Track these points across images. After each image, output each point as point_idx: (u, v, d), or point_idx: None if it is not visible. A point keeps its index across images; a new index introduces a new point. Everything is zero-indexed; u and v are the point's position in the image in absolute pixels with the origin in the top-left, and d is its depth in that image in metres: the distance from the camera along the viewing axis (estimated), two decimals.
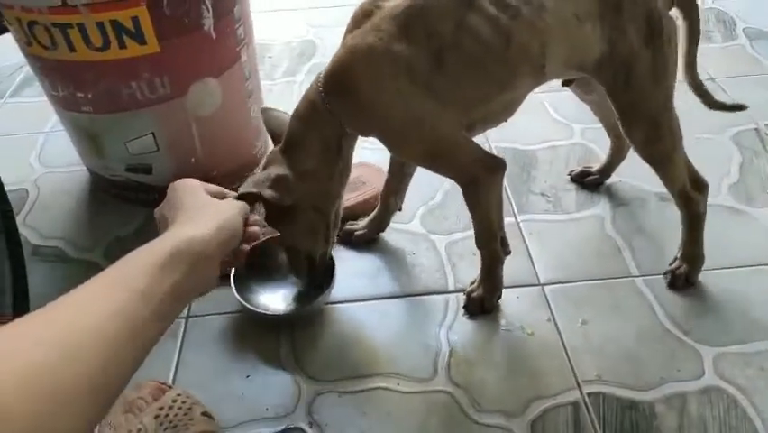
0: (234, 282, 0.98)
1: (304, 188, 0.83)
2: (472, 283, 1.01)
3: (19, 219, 1.19)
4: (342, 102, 0.81)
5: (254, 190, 0.78)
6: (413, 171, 1.07)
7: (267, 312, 0.97)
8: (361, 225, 1.13)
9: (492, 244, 0.94)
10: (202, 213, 0.61)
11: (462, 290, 1.01)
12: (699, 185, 0.97)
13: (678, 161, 0.94)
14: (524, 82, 0.84)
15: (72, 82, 1.02)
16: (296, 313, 0.99)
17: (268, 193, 0.79)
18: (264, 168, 0.86)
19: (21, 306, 0.95)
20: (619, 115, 0.90)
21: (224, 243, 0.60)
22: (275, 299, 1.01)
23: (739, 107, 0.98)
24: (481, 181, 0.87)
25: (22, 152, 1.40)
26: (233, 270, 0.98)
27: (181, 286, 0.52)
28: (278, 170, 0.82)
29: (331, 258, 0.98)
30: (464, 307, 1.00)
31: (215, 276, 0.60)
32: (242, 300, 0.96)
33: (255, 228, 0.70)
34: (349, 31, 0.83)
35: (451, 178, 0.90)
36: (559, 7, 0.80)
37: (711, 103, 0.97)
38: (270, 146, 1.32)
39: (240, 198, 0.75)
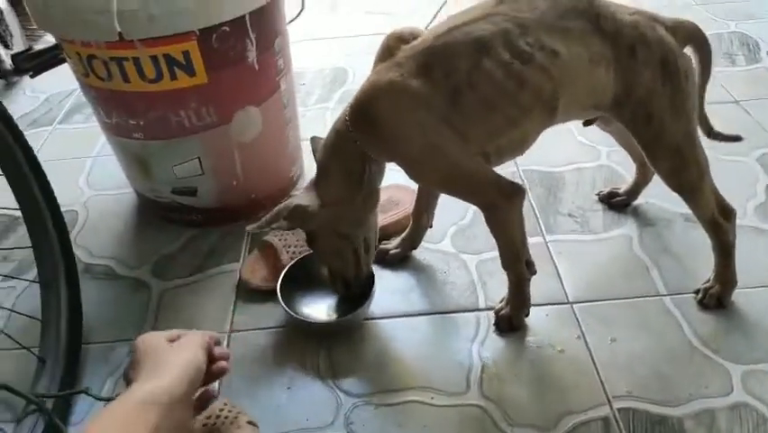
0: (280, 292, 1.03)
1: (326, 214, 0.91)
2: (501, 301, 1.04)
3: (70, 239, 1.26)
4: (365, 132, 0.87)
5: (275, 225, 0.89)
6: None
7: (309, 320, 1.03)
8: (394, 243, 1.17)
9: (517, 266, 0.97)
10: (161, 367, 0.62)
11: (493, 308, 1.05)
12: (727, 212, 0.99)
13: (705, 190, 0.96)
14: (535, 121, 0.88)
15: (125, 111, 1.09)
16: (335, 323, 1.04)
17: (284, 224, 0.90)
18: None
19: (74, 318, 1.01)
20: (643, 149, 0.93)
21: (191, 382, 0.62)
22: (318, 309, 1.06)
23: (736, 138, 1.00)
24: (500, 207, 0.90)
25: (72, 176, 1.48)
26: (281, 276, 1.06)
27: (159, 428, 0.56)
28: (299, 199, 0.91)
29: (371, 273, 1.04)
30: (494, 324, 1.03)
31: (189, 416, 0.64)
32: (286, 308, 1.01)
33: (222, 364, 0.70)
34: (376, 64, 0.90)
35: (470, 202, 0.95)
36: (572, 53, 0.83)
37: (710, 132, 1.00)
38: (306, 171, 1.39)
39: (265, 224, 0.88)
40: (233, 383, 0.96)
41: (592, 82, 0.86)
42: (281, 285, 1.04)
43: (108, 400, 0.88)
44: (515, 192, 0.90)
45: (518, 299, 1.01)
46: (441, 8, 1.13)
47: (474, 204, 0.95)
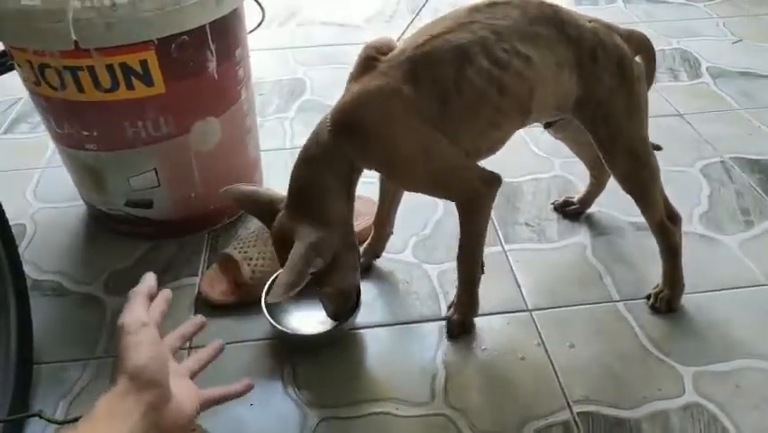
0: (265, 305, 1.01)
1: (337, 234, 0.87)
2: (450, 308, 1.06)
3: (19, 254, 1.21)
4: (354, 138, 0.86)
5: (307, 277, 0.82)
6: (401, 198, 1.13)
7: (298, 334, 1.02)
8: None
9: (475, 266, 1.00)
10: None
11: None
12: (674, 217, 1.04)
13: (656, 193, 1.01)
14: (513, 123, 0.92)
15: (78, 121, 1.06)
16: (326, 335, 1.02)
17: (319, 266, 0.84)
18: (279, 236, 0.88)
19: (24, 339, 0.97)
20: (600, 150, 0.98)
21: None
22: (305, 321, 1.05)
23: (657, 147, 1.04)
24: (480, 195, 0.93)
25: (19, 188, 1.42)
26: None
27: None
28: (309, 237, 0.83)
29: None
30: (447, 331, 1.05)
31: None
32: (273, 322, 1.00)
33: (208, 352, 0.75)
34: (353, 79, 0.89)
35: (452, 198, 0.96)
36: (543, 58, 0.88)
37: None
38: (265, 181, 1.38)
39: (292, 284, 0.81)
40: None
41: (558, 85, 0.91)
42: (266, 297, 1.02)
43: (63, 423, 0.85)
44: (495, 179, 0.93)
45: (469, 301, 1.03)
46: (413, 20, 1.14)
47: (456, 199, 0.95)
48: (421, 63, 0.84)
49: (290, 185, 0.89)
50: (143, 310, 0.64)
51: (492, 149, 0.95)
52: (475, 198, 0.93)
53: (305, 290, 0.99)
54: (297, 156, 0.90)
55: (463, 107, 0.86)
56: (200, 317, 0.77)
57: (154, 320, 0.65)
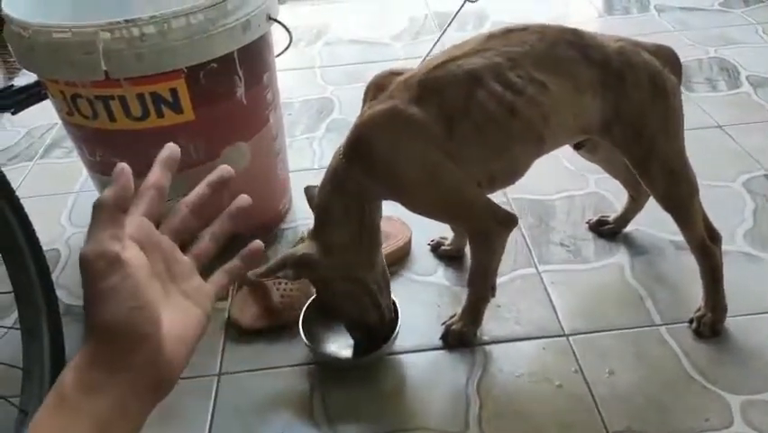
0: (303, 329, 1.01)
1: (333, 261, 0.89)
2: (452, 317, 1.05)
3: (53, 282, 1.22)
4: (363, 165, 0.87)
5: (280, 274, 0.88)
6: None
7: (337, 358, 1.02)
8: (447, 242, 1.21)
9: (484, 287, 1.00)
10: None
11: (489, 342, 1.03)
12: (714, 236, 1.00)
13: (695, 209, 0.98)
14: (525, 150, 0.91)
15: (110, 149, 1.08)
16: (363, 361, 1.01)
17: (290, 273, 0.88)
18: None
19: (58, 366, 0.98)
20: (635, 169, 0.95)
21: None
22: (343, 345, 1.04)
23: None
24: (493, 233, 0.93)
25: (53, 213, 1.44)
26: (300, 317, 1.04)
27: None
28: (304, 248, 0.89)
29: (395, 305, 1.02)
30: (442, 338, 1.04)
31: None
32: (308, 343, 0.99)
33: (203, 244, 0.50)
34: (365, 103, 0.90)
35: (463, 228, 0.96)
36: (559, 84, 0.87)
37: None
38: (295, 204, 1.38)
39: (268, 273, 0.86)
40: (223, 429, 0.93)
41: (578, 109, 0.90)
42: (303, 319, 1.03)
43: None
44: (509, 220, 0.93)
45: (473, 316, 1.03)
46: (435, 43, 1.13)
47: (467, 229, 0.96)
48: (430, 87, 0.84)
49: (315, 208, 0.93)
50: (110, 235, 0.42)
51: (506, 179, 0.94)
52: (485, 234, 0.93)
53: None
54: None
55: (471, 131, 0.85)
56: (220, 170, 0.54)
57: (137, 224, 0.47)
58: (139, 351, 0.42)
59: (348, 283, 0.92)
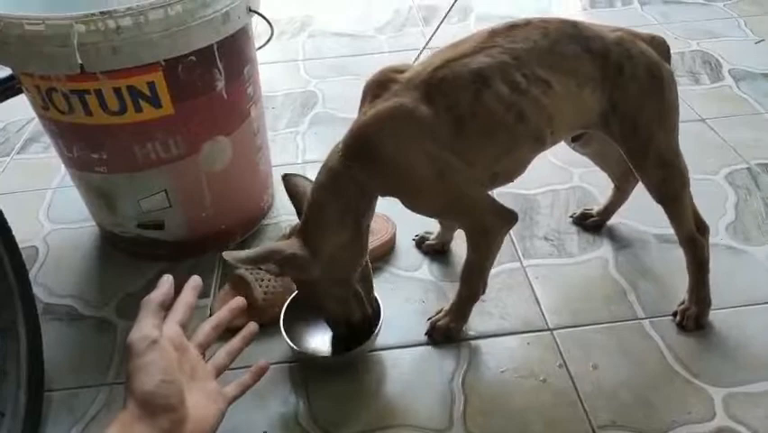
0: (283, 326, 1.00)
1: (323, 264, 0.86)
2: (438, 312, 1.04)
3: (29, 277, 1.20)
4: (366, 165, 0.84)
5: (262, 267, 0.84)
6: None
7: (319, 356, 1.00)
8: (432, 236, 1.21)
9: (477, 286, 1.00)
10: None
11: (474, 338, 1.03)
12: (702, 228, 1.01)
13: (686, 201, 0.98)
14: (529, 149, 0.90)
15: (87, 144, 1.05)
16: (345, 358, 1.00)
17: (273, 269, 0.84)
18: (287, 237, 0.91)
19: (35, 367, 0.96)
20: (630, 160, 0.95)
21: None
22: (324, 342, 1.03)
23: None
24: (493, 231, 0.92)
25: (31, 209, 1.41)
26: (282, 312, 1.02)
27: None
28: (293, 247, 0.85)
29: (376, 301, 1.01)
30: (427, 334, 1.03)
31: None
32: (289, 342, 0.98)
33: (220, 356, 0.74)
34: (366, 101, 0.87)
35: (464, 226, 0.95)
36: (563, 82, 0.85)
37: None
38: (277, 199, 1.36)
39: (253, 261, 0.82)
40: None
41: (579, 104, 0.89)
42: (284, 318, 1.01)
43: None
44: (511, 218, 0.92)
45: (462, 313, 1.02)
46: (428, 41, 1.12)
47: (469, 226, 0.94)
48: (437, 87, 0.82)
49: (306, 205, 0.89)
50: (153, 324, 0.61)
51: (508, 177, 0.93)
52: (486, 232, 0.92)
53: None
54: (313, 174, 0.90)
55: (479, 133, 0.84)
56: (238, 300, 0.77)
57: (173, 330, 0.63)
58: (164, 416, 0.55)
59: (335, 285, 0.91)
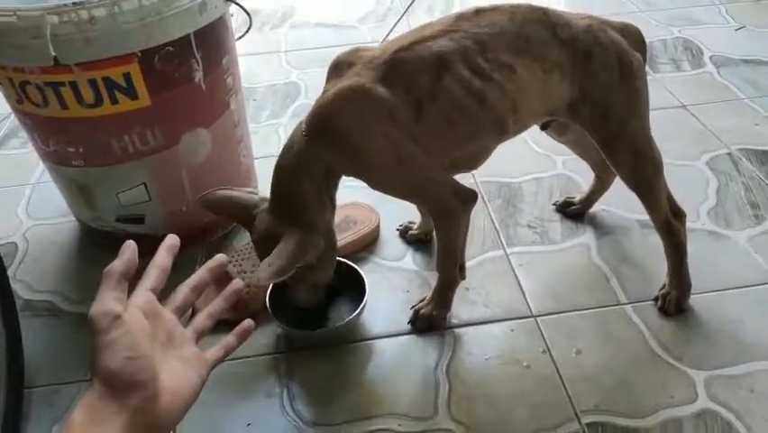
0: (270, 302, 1.00)
1: (320, 237, 0.87)
2: (422, 301, 1.05)
3: (9, 273, 1.18)
4: (327, 143, 0.84)
5: (293, 270, 0.81)
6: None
7: (301, 331, 1.00)
8: (415, 226, 1.21)
9: (452, 269, 1.00)
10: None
11: (458, 326, 1.03)
12: (678, 214, 1.01)
13: (660, 188, 0.98)
14: (490, 137, 0.90)
15: (63, 137, 1.03)
16: (330, 333, 1.00)
17: (309, 261, 0.85)
18: (263, 237, 0.87)
19: (15, 363, 0.94)
20: (602, 149, 0.95)
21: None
22: (310, 319, 1.02)
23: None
24: (455, 211, 0.92)
25: (10, 205, 1.39)
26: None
27: None
28: (298, 236, 0.83)
29: (362, 279, 1.03)
30: (410, 322, 1.03)
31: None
32: (277, 320, 0.99)
33: (200, 319, 0.65)
34: (330, 80, 0.87)
35: (426, 208, 0.96)
36: (528, 67, 0.85)
37: None
38: (261, 188, 1.35)
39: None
40: (186, 421, 0.91)
41: (545, 91, 0.88)
42: (271, 293, 1.02)
43: None
44: (470, 197, 0.92)
45: (443, 300, 1.03)
46: (398, 20, 1.11)
47: (429, 209, 0.95)
48: (398, 67, 0.82)
49: (272, 189, 0.88)
50: (114, 298, 0.54)
51: (469, 164, 0.93)
52: (448, 213, 0.92)
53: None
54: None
55: (438, 118, 0.83)
56: (218, 258, 0.67)
57: (144, 297, 0.57)
58: (134, 394, 0.51)
59: (330, 252, 0.93)
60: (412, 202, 0.95)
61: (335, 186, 0.91)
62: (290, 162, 0.86)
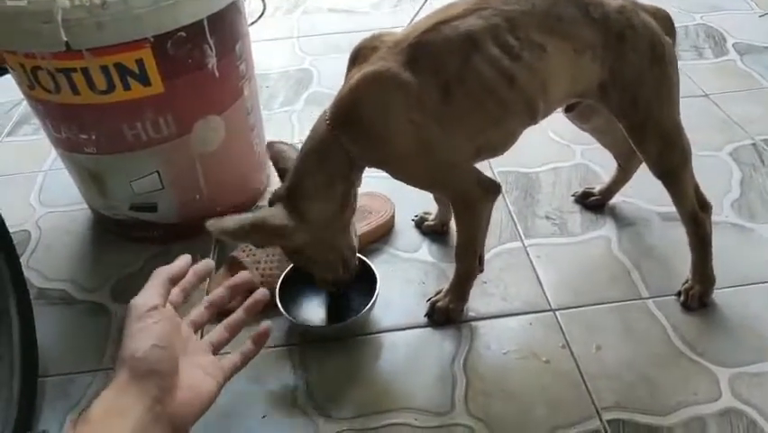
0: (280, 297, 0.99)
1: (310, 232, 0.85)
2: (438, 293, 1.03)
3: (22, 261, 1.17)
4: (351, 132, 0.82)
5: (240, 239, 0.83)
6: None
7: (312, 325, 0.99)
8: (431, 217, 1.18)
9: (472, 261, 0.98)
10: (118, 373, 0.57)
11: (475, 319, 1.01)
12: (704, 205, 0.98)
13: (687, 177, 0.96)
14: (521, 118, 0.87)
15: (76, 124, 1.02)
16: (342, 327, 0.99)
17: (255, 239, 0.83)
18: (269, 204, 0.87)
19: (29, 353, 0.94)
20: (629, 134, 0.92)
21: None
22: (321, 312, 1.02)
23: None
24: (478, 202, 0.90)
25: (22, 192, 1.39)
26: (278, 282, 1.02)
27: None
28: (274, 217, 0.82)
29: (373, 272, 1.01)
30: (427, 315, 1.02)
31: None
32: (287, 315, 0.97)
33: (218, 331, 0.68)
34: (353, 66, 0.85)
35: (448, 198, 0.94)
36: (559, 48, 0.82)
37: None
38: (274, 179, 1.33)
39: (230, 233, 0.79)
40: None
41: (576, 72, 0.86)
42: (280, 291, 1.01)
43: None
44: (493, 188, 0.90)
45: (460, 292, 1.01)
46: (424, 3, 1.08)
47: (452, 199, 0.93)
48: (424, 50, 0.79)
49: (293, 168, 0.86)
50: (157, 293, 0.59)
51: (493, 151, 0.91)
52: (470, 203, 0.90)
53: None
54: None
55: (467, 100, 0.81)
56: (240, 276, 0.71)
57: (175, 301, 0.62)
58: (152, 382, 0.53)
59: (325, 250, 0.90)
60: (434, 192, 0.93)
61: (358, 179, 0.89)
62: (311, 150, 0.84)
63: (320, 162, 0.84)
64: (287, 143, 0.95)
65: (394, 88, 0.78)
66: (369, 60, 0.82)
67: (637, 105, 0.88)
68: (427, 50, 0.79)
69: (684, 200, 0.96)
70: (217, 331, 0.68)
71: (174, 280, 0.62)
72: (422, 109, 0.79)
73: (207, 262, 0.68)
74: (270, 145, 0.94)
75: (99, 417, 0.51)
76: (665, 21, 0.91)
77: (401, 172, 0.88)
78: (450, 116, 0.81)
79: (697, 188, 0.98)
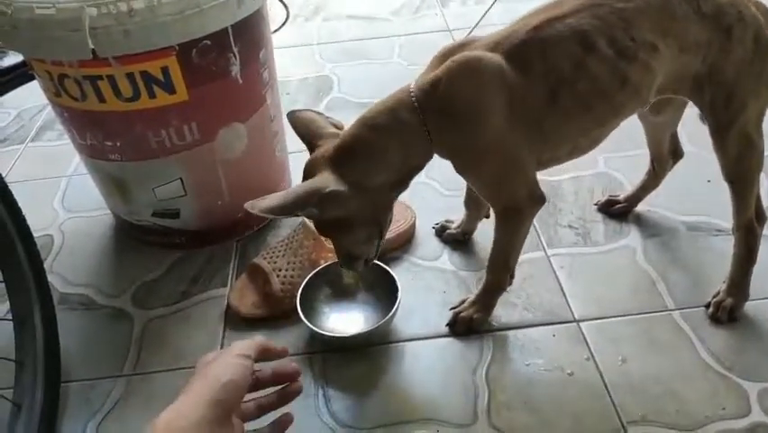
0: (301, 305, 0.98)
1: (362, 201, 0.81)
2: (462, 303, 1.01)
3: (45, 266, 1.18)
4: (439, 113, 0.79)
5: (300, 213, 0.77)
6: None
7: (334, 335, 0.98)
8: (454, 225, 1.17)
9: (504, 273, 0.96)
10: (185, 390, 0.55)
11: (499, 329, 1.00)
12: (760, 216, 0.96)
13: (756, 184, 0.93)
14: (623, 118, 0.86)
15: (101, 131, 1.03)
16: (363, 336, 0.98)
17: (314, 212, 0.77)
18: (310, 170, 0.82)
19: (52, 357, 0.94)
20: (713, 132, 0.90)
21: (213, 403, 0.53)
22: (342, 321, 1.02)
23: None
24: (522, 211, 0.89)
25: (46, 197, 1.40)
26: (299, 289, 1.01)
27: None
28: (328, 182, 0.78)
29: (394, 282, 1.00)
30: (449, 325, 1.00)
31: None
32: (308, 323, 0.97)
33: (249, 405, 0.63)
34: (434, 66, 0.82)
35: (498, 202, 0.90)
36: (668, 45, 0.80)
37: None
38: (295, 183, 1.33)
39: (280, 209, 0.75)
40: None
41: (678, 68, 0.84)
42: (301, 298, 1.00)
43: None
44: (540, 200, 0.89)
45: (487, 304, 1.00)
46: (485, 14, 1.07)
47: (502, 204, 0.90)
48: (536, 48, 0.77)
49: (342, 140, 0.81)
50: (252, 350, 0.59)
51: (572, 156, 0.89)
52: (518, 211, 0.89)
53: (341, 294, 1.03)
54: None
55: (576, 102, 0.79)
56: (290, 367, 0.66)
57: (248, 412, 0.63)
58: (222, 393, 0.53)
59: (369, 224, 0.85)
60: (489, 194, 0.88)
61: (414, 172, 0.85)
62: (383, 124, 0.80)
63: (392, 134, 0.80)
64: (317, 111, 0.90)
65: (496, 77, 0.77)
66: (469, 49, 0.80)
67: (731, 101, 0.85)
68: (539, 49, 0.77)
69: (745, 207, 0.94)
70: (248, 406, 0.65)
71: (262, 355, 0.61)
72: (515, 105, 0.78)
73: (298, 387, 0.66)
74: (295, 112, 0.89)
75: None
76: (765, 13, 0.88)
77: (472, 167, 0.85)
78: (552, 118, 0.79)
79: (758, 197, 0.95)
